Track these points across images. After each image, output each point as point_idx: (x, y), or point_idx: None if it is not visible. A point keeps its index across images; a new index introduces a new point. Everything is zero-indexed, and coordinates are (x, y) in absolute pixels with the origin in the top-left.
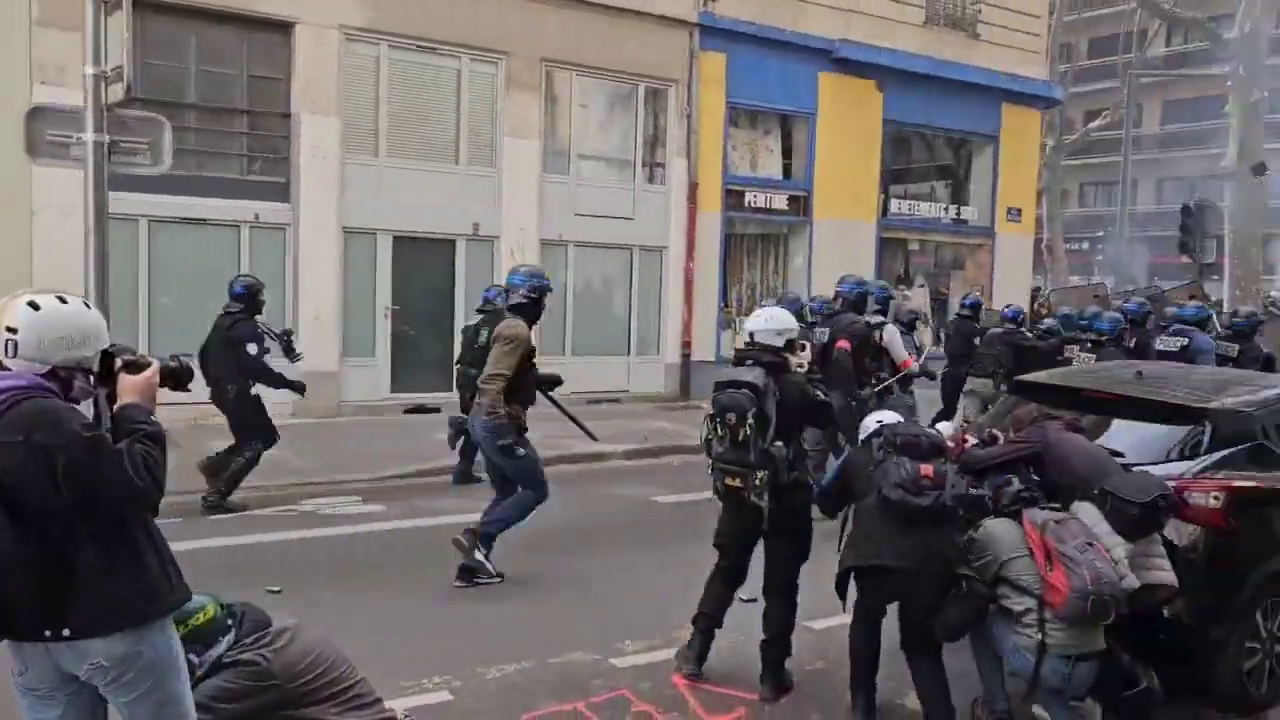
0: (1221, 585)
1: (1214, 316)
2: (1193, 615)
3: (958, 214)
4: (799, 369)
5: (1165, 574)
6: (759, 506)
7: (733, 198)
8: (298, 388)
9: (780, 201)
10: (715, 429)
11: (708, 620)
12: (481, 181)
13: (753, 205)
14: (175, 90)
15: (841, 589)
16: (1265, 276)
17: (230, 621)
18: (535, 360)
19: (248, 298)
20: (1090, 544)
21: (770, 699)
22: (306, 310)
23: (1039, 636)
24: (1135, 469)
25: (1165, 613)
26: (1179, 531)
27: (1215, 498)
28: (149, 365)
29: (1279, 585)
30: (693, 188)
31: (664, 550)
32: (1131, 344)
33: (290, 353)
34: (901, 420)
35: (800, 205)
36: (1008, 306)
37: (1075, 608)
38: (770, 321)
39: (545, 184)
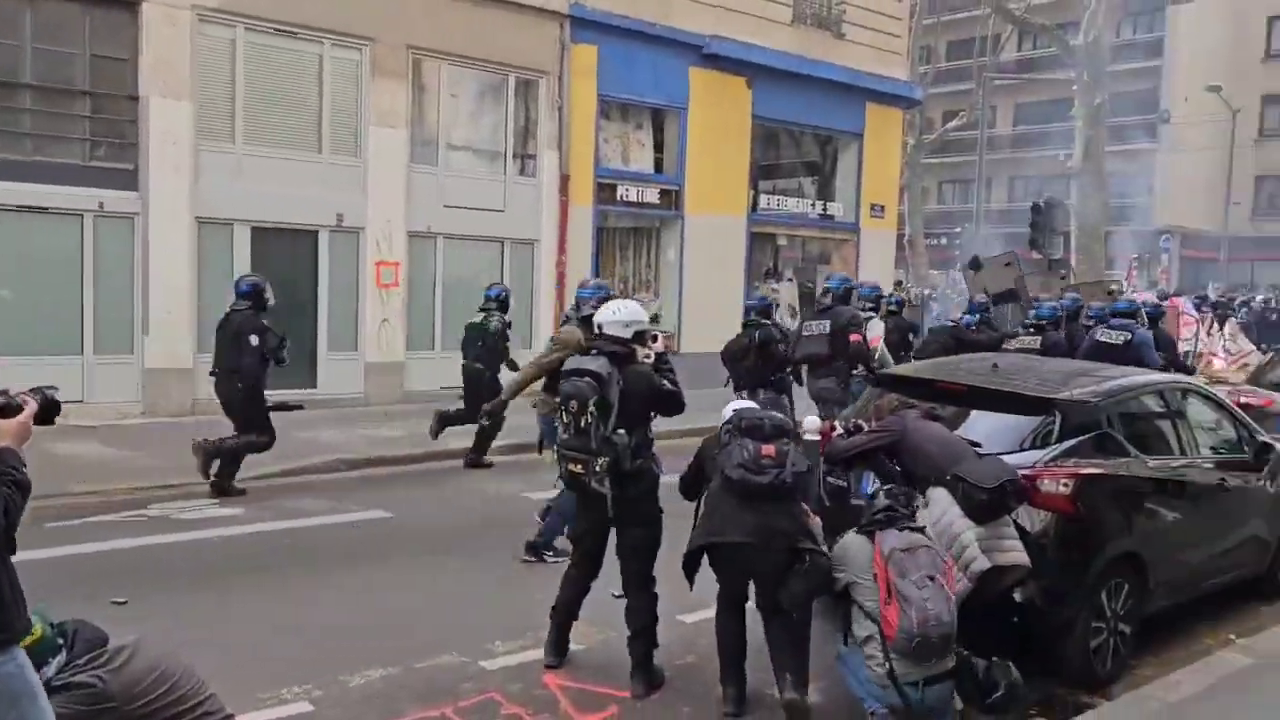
0: (1070, 568)
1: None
2: (1044, 598)
3: (824, 210)
4: (647, 359)
5: (1017, 554)
6: (603, 494)
7: (605, 191)
8: (292, 408)
9: (652, 195)
10: (561, 416)
11: (561, 613)
12: (346, 171)
13: (625, 199)
14: (9, 69)
15: (689, 568)
16: (1107, 271)
17: (61, 641)
18: None
19: (254, 295)
20: (932, 578)
21: (641, 695)
22: (158, 303)
23: (887, 666)
24: (986, 456)
25: (1018, 597)
26: (1031, 518)
27: (1064, 484)
28: (23, 409)
29: (1122, 567)
30: (564, 180)
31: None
32: (1063, 334)
33: (278, 358)
34: (752, 406)
35: (672, 199)
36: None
37: (902, 647)
38: (618, 313)
39: (413, 174)
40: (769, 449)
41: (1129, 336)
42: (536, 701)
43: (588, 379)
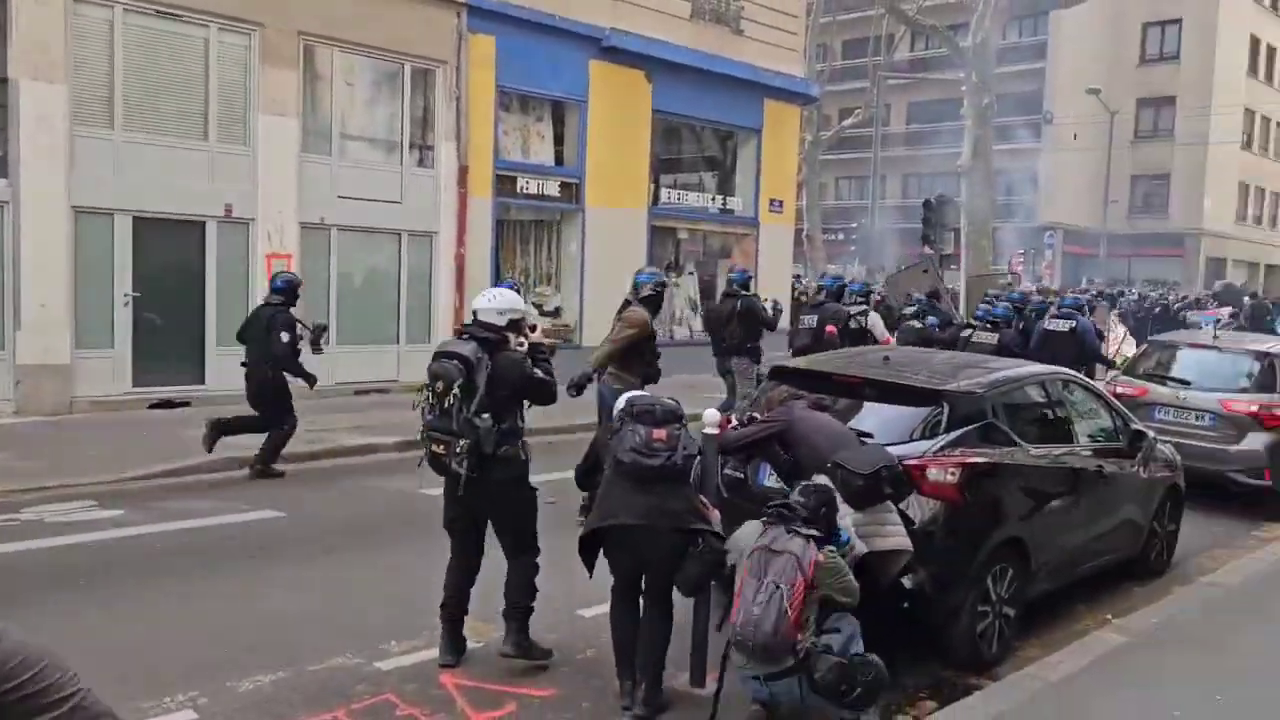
0: (957, 555)
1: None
2: (932, 584)
3: (724, 204)
4: (520, 348)
5: (897, 539)
6: (459, 474)
7: (504, 183)
8: (310, 380)
9: (553, 188)
10: (427, 396)
11: (451, 607)
12: (234, 160)
13: (525, 191)
14: None
15: (586, 554)
16: (994, 266)
17: None
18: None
19: (288, 291)
20: (779, 586)
21: (510, 655)
22: (31, 297)
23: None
24: (867, 444)
25: (908, 584)
26: (920, 506)
27: (951, 474)
28: None
29: (1007, 553)
30: (463, 172)
31: (432, 545)
32: (1019, 326)
33: (317, 346)
34: (644, 394)
35: (573, 192)
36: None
37: (733, 638)
38: (494, 301)
39: (305, 164)
40: (660, 433)
41: (1074, 324)
42: (433, 701)
43: (455, 361)
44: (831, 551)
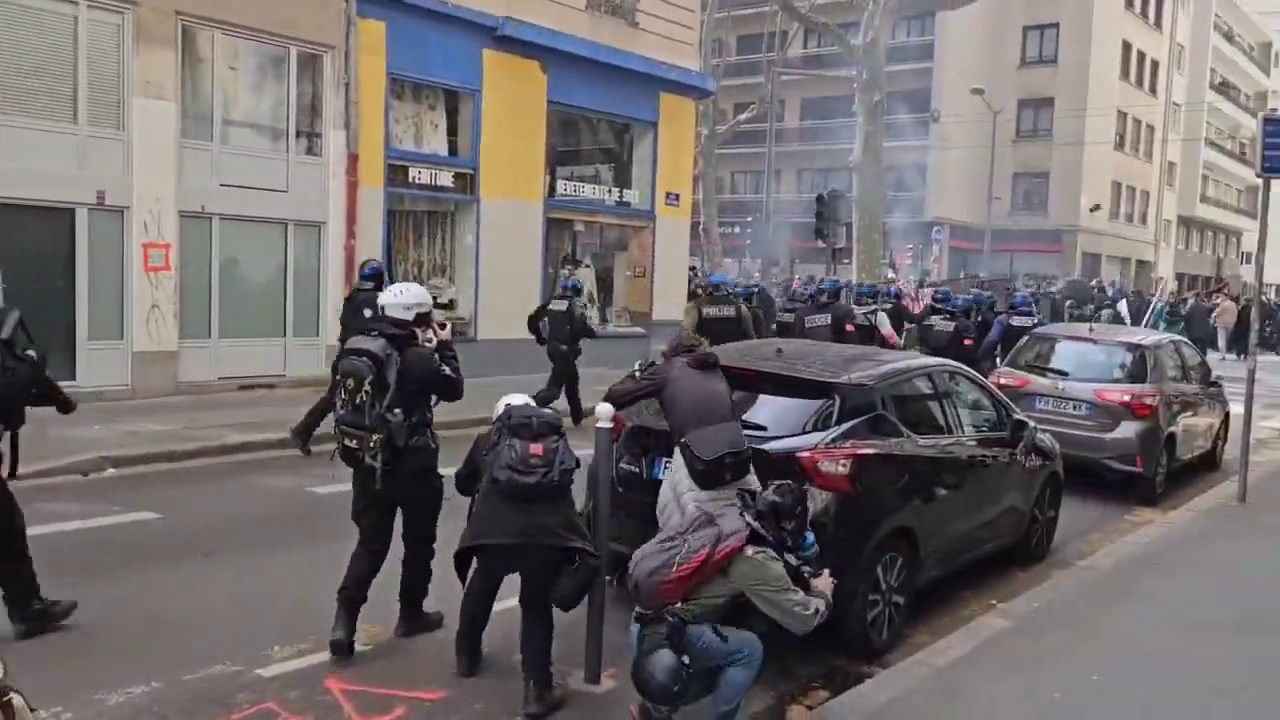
0: (849, 544)
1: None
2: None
3: (620, 197)
4: (428, 343)
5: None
6: (374, 467)
7: (396, 173)
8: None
9: (446, 179)
10: (340, 393)
11: (351, 589)
12: (107, 145)
13: (417, 181)
14: None
15: (460, 568)
16: (883, 260)
17: None
18: None
19: (376, 277)
20: (685, 543)
21: (403, 634)
22: None
23: None
24: (724, 426)
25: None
26: (813, 497)
27: (843, 465)
28: None
29: (897, 542)
30: (352, 160)
31: (317, 546)
32: (978, 320)
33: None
34: (525, 402)
35: (467, 183)
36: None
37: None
38: (401, 296)
39: (185, 151)
40: (537, 448)
41: (1039, 319)
42: (318, 708)
43: (365, 359)
44: (764, 554)
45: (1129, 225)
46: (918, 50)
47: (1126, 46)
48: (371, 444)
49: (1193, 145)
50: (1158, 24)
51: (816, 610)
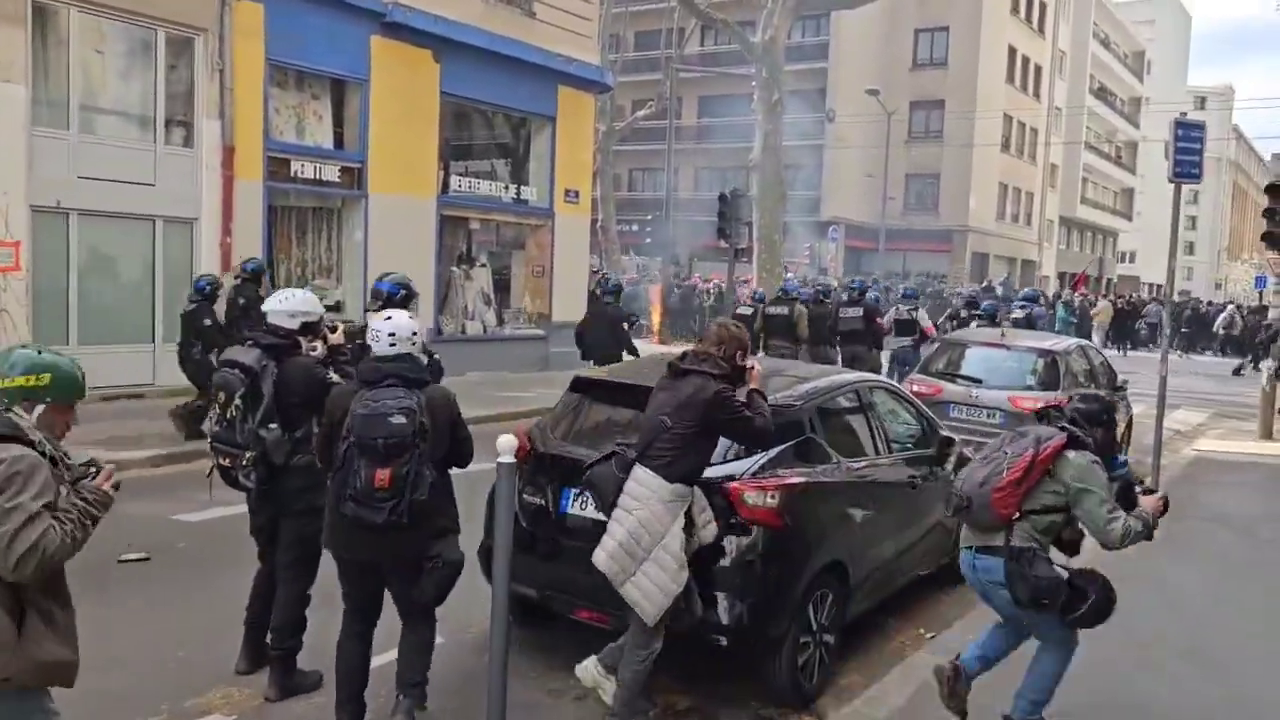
0: (779, 583)
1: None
2: (752, 617)
3: (518, 194)
4: (313, 353)
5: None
6: (249, 488)
7: (277, 166)
8: None
9: (332, 172)
10: (213, 408)
11: (252, 615)
12: None
13: (301, 175)
14: None
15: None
16: (786, 259)
17: None
18: None
19: (257, 276)
20: (1005, 453)
21: (274, 698)
22: None
23: None
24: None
25: (724, 618)
26: (740, 531)
27: (771, 497)
28: None
29: (828, 578)
30: (228, 152)
31: (180, 588)
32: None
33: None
34: (377, 404)
35: (354, 177)
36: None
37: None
38: (285, 303)
39: (37, 140)
40: (383, 475)
41: (1029, 310)
42: None
43: (237, 370)
44: (1087, 456)
45: (1015, 225)
46: (813, 50)
47: (1012, 51)
48: (245, 462)
49: (1073, 148)
50: (1041, 30)
51: (1129, 532)
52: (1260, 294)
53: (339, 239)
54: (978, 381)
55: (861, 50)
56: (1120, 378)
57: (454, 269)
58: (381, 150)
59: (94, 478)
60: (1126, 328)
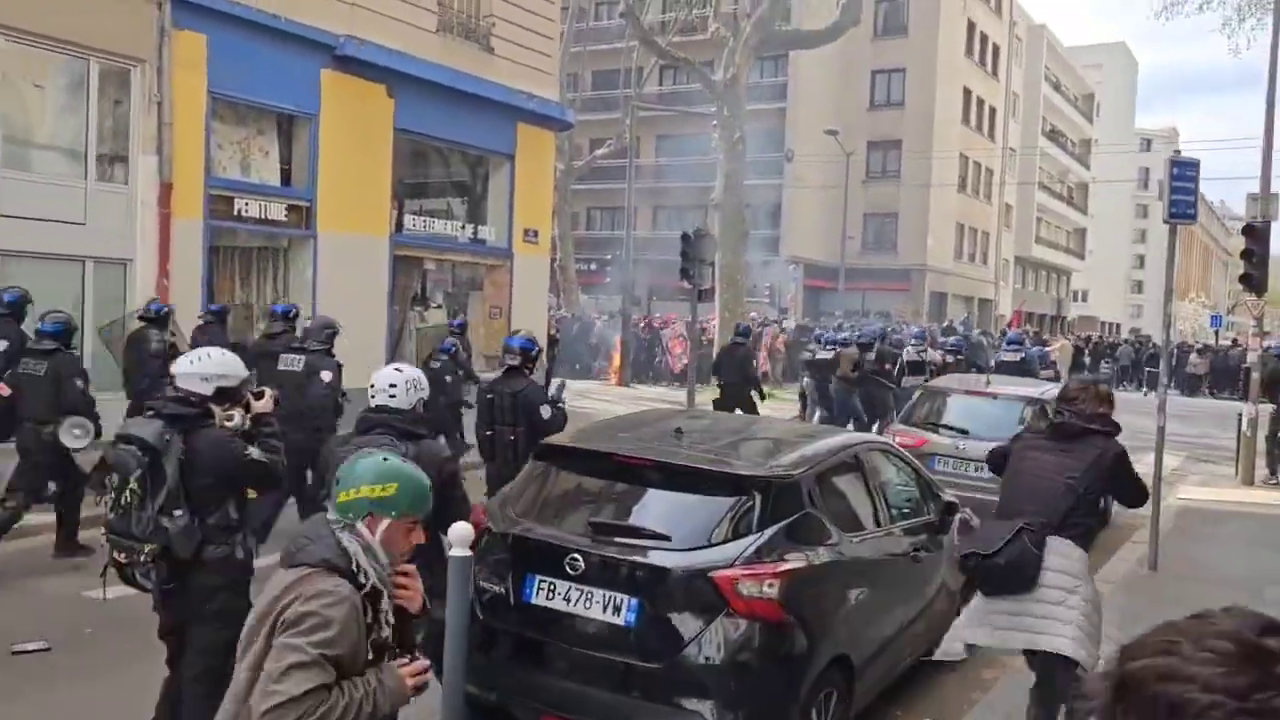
0: (780, 686)
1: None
2: None
3: (475, 233)
4: (228, 423)
5: None
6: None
7: (219, 204)
8: None
9: (279, 211)
10: (107, 492)
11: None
12: None
13: (245, 214)
14: None
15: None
16: (749, 299)
17: None
18: None
19: (161, 319)
20: None
21: None
22: None
23: None
24: None
25: None
26: (730, 630)
27: (770, 585)
28: None
29: (833, 674)
30: (165, 189)
31: (84, 683)
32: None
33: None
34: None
35: (303, 216)
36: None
37: None
38: (198, 365)
39: None
40: None
41: (1023, 354)
42: None
43: (134, 447)
44: None
45: (971, 265)
46: (772, 90)
47: (967, 93)
48: (143, 558)
49: (1027, 189)
50: (994, 73)
51: None
52: (1216, 332)
53: (286, 280)
54: (964, 432)
55: (820, 91)
56: None
57: (410, 311)
58: (332, 188)
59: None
60: (1082, 366)
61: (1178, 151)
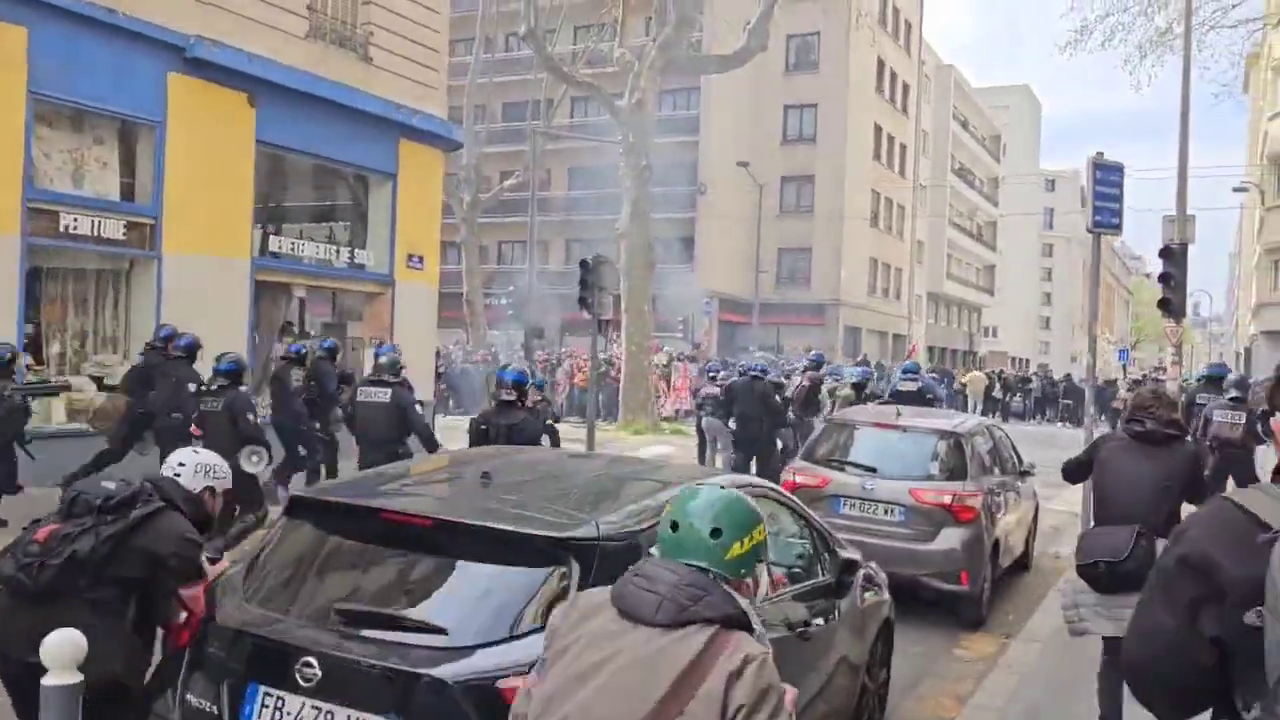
0: None
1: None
2: None
3: (352, 257)
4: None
5: None
6: None
7: (42, 219)
8: None
9: (116, 229)
10: None
11: None
12: None
13: (74, 231)
14: None
15: None
16: (656, 334)
17: None
18: None
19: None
20: None
21: None
22: None
23: None
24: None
25: None
26: None
27: None
28: None
29: None
30: None
31: None
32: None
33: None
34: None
35: (146, 235)
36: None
37: None
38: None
39: None
40: (43, 532)
41: (920, 385)
42: None
43: None
44: None
45: (885, 300)
46: (685, 123)
47: (878, 129)
48: None
49: (938, 226)
50: (904, 110)
51: None
52: (1124, 367)
53: (126, 306)
54: (871, 470)
55: (733, 125)
56: (1026, 460)
57: (278, 342)
58: (181, 204)
59: None
60: (994, 399)
61: (1100, 153)
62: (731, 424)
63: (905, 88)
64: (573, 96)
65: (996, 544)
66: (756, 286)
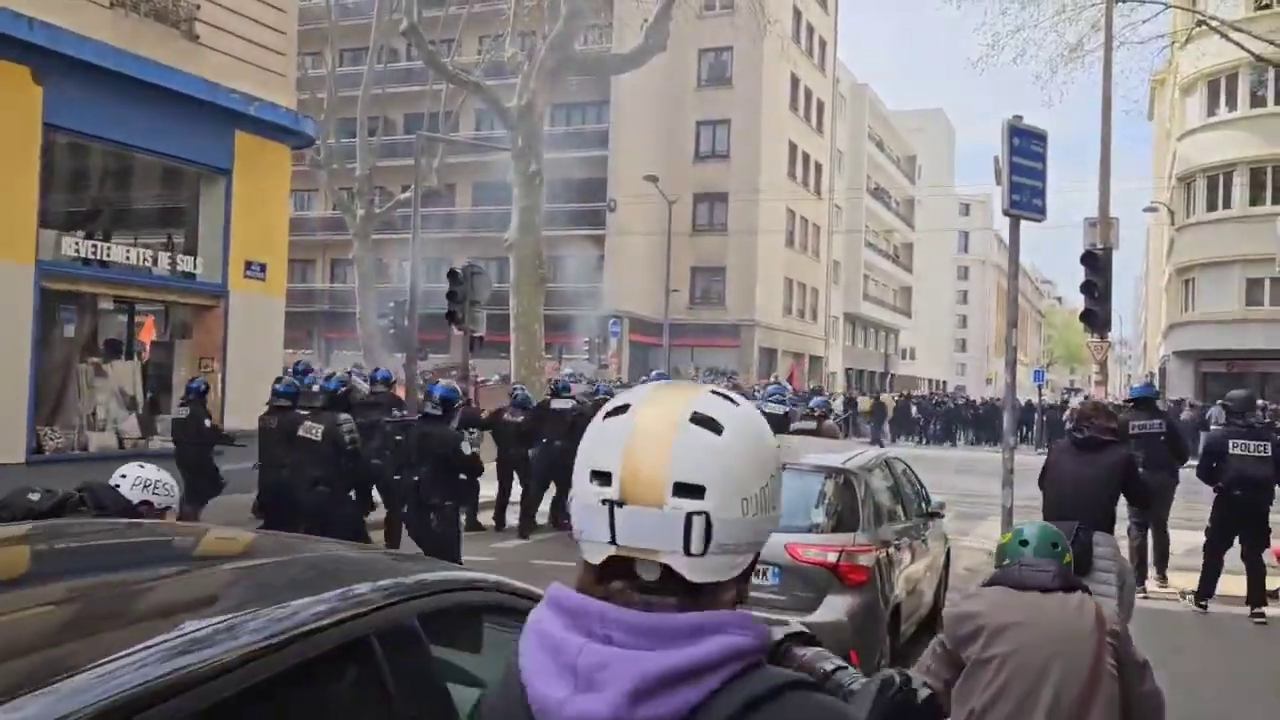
0: None
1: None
2: None
3: (174, 264)
4: None
5: None
6: None
7: None
8: None
9: None
10: None
11: None
12: None
13: None
14: None
15: None
16: (547, 356)
17: None
18: None
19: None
20: None
21: None
22: None
23: None
24: None
25: None
26: None
27: None
28: None
29: None
30: None
31: None
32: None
33: None
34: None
35: None
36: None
37: None
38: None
39: None
40: None
41: (786, 408)
42: None
43: None
44: None
45: (801, 321)
46: (595, 137)
47: (793, 147)
48: None
49: (854, 246)
50: (819, 128)
51: None
52: (1039, 387)
53: None
54: None
55: (644, 141)
56: (935, 500)
57: (82, 364)
58: None
59: None
60: (911, 421)
61: (1019, 116)
62: None
63: (820, 105)
64: (476, 110)
65: (897, 610)
66: (667, 306)
